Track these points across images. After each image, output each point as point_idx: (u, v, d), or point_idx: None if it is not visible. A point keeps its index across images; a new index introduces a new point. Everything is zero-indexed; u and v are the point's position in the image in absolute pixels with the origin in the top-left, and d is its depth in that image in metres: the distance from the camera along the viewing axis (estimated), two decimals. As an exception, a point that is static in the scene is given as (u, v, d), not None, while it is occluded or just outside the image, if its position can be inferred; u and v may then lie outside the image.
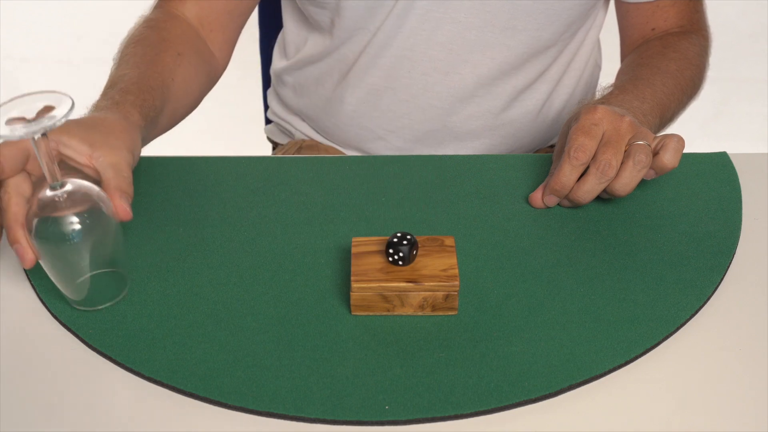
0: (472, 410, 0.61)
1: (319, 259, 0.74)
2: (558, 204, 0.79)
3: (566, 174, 0.76)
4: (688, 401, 0.63)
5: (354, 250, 0.69)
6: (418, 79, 0.97)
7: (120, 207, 0.67)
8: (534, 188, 0.81)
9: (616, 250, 0.75)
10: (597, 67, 1.11)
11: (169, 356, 0.65)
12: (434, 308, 0.68)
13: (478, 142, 1.03)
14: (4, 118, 0.60)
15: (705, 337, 0.68)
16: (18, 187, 0.67)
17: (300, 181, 0.84)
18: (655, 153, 0.76)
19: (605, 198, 0.79)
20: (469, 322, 0.68)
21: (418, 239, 0.69)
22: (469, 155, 0.88)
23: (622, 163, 0.75)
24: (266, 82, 1.24)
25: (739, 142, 2.20)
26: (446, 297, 0.67)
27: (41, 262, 0.66)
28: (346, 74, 1.00)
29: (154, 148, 0.88)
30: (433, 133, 1.01)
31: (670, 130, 0.93)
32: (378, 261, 0.68)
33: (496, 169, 0.85)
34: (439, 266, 0.68)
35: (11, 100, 0.61)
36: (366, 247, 0.69)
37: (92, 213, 0.65)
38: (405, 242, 0.67)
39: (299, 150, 1.09)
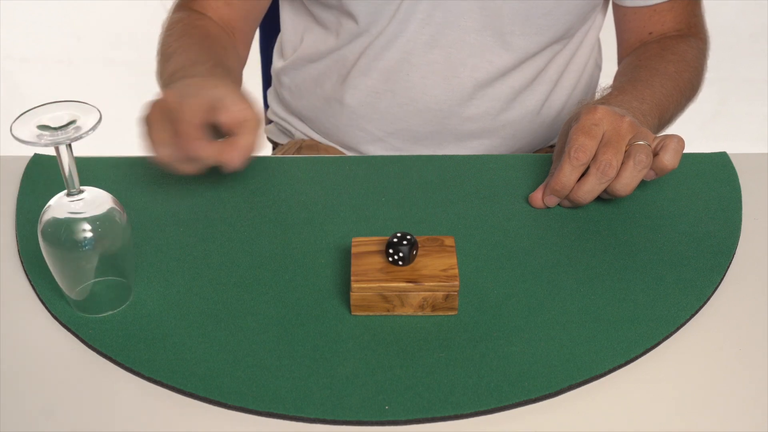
0: (472, 410, 0.61)
1: (319, 259, 0.74)
2: (558, 204, 0.79)
3: (566, 174, 0.76)
4: (688, 401, 0.63)
5: (354, 250, 0.69)
6: (418, 83, 0.97)
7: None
8: (534, 188, 0.81)
9: (616, 250, 0.75)
10: (597, 68, 1.11)
11: (169, 356, 0.65)
12: (434, 308, 0.68)
13: (478, 144, 1.03)
14: (33, 124, 0.61)
15: (705, 337, 0.68)
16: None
17: (300, 181, 0.84)
18: (655, 154, 0.76)
19: (605, 198, 0.79)
20: (469, 322, 0.68)
21: (418, 239, 0.69)
22: (469, 155, 0.88)
23: (622, 164, 0.75)
24: (266, 82, 1.24)
25: (739, 142, 2.19)
26: (446, 297, 0.67)
27: (49, 265, 0.66)
28: (346, 76, 1.00)
29: (154, 148, 0.88)
30: (432, 135, 1.01)
31: (669, 131, 0.93)
32: (378, 261, 0.68)
33: (496, 169, 0.85)
34: (439, 266, 0.68)
35: (41, 105, 0.62)
36: (366, 247, 0.69)
37: (105, 221, 0.65)
38: (405, 242, 0.67)
39: (299, 150, 1.09)
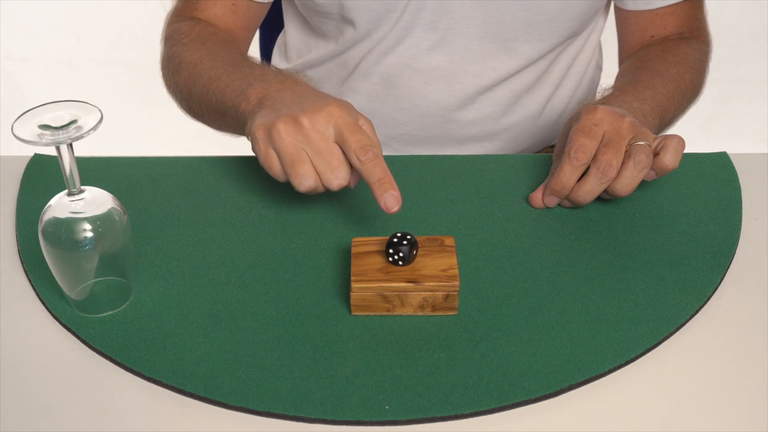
0: (472, 410, 0.61)
1: (319, 259, 0.74)
2: (558, 204, 0.79)
3: (567, 174, 0.76)
4: (688, 401, 0.63)
5: (354, 250, 0.69)
6: (420, 88, 0.97)
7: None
8: (534, 188, 0.81)
9: (616, 250, 0.75)
10: (598, 69, 1.11)
11: (169, 356, 0.65)
12: (434, 308, 0.68)
13: (479, 147, 1.03)
14: (35, 123, 0.61)
15: (705, 337, 0.68)
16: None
17: (300, 181, 0.83)
18: (656, 154, 0.76)
19: (606, 198, 0.79)
20: (469, 322, 0.68)
21: (418, 239, 0.69)
22: (469, 155, 0.88)
23: (622, 164, 0.75)
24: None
25: (739, 142, 2.19)
26: (446, 297, 0.67)
27: (49, 265, 0.66)
28: (346, 79, 1.00)
29: (153, 148, 0.88)
30: (433, 138, 1.01)
31: (669, 131, 0.93)
32: (378, 261, 0.68)
33: (496, 169, 0.85)
34: (439, 266, 0.68)
35: (42, 105, 0.62)
36: (366, 247, 0.69)
37: (106, 221, 0.65)
38: (405, 242, 0.67)
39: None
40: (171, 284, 0.72)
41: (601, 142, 0.75)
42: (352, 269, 0.68)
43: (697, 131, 1.89)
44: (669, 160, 0.76)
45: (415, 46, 0.95)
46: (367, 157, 0.70)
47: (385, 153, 1.03)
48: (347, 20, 0.95)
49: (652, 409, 0.62)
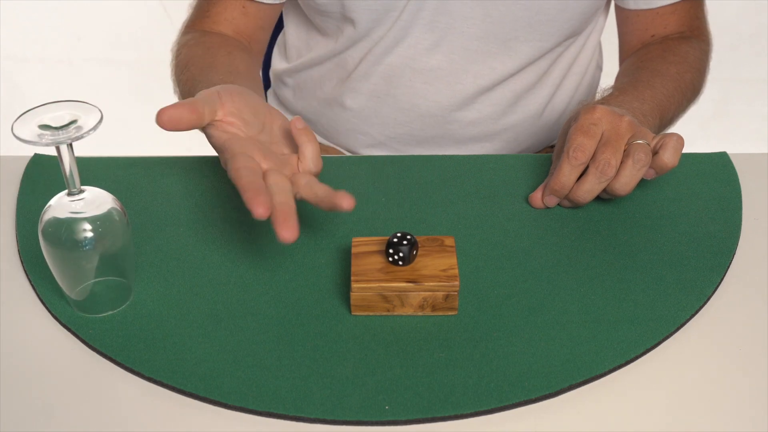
0: (472, 410, 0.61)
1: (319, 259, 0.74)
2: (558, 204, 0.79)
3: (566, 174, 0.76)
4: (688, 401, 0.63)
5: (354, 250, 0.69)
6: (420, 88, 0.97)
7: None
8: (534, 188, 0.81)
9: (616, 250, 0.75)
10: (598, 69, 1.11)
11: (169, 356, 0.65)
12: (434, 308, 0.68)
13: (479, 147, 1.03)
14: (35, 123, 0.61)
15: (705, 337, 0.68)
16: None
17: (300, 181, 0.83)
18: (655, 152, 0.76)
19: (605, 199, 0.79)
20: (469, 322, 0.68)
21: (418, 239, 0.69)
22: (469, 155, 0.88)
23: (621, 163, 0.75)
24: (266, 82, 1.24)
25: (739, 142, 2.19)
26: (446, 297, 0.67)
27: (49, 265, 0.67)
28: (345, 79, 1.00)
29: (153, 148, 0.88)
30: (433, 139, 1.01)
31: (669, 131, 0.93)
32: (378, 261, 0.68)
33: (496, 169, 0.85)
34: (439, 266, 0.68)
35: (42, 105, 0.62)
36: (366, 247, 0.69)
37: (106, 221, 0.65)
38: (405, 242, 0.67)
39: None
40: (171, 284, 0.72)
41: (599, 141, 0.75)
42: (352, 269, 0.68)
43: (697, 131, 1.89)
44: (668, 158, 0.76)
45: (415, 45, 0.95)
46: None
47: (385, 153, 1.04)
48: (348, 19, 0.95)
49: (652, 409, 0.62)
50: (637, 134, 0.76)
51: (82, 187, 0.65)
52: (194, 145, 1.29)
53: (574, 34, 0.98)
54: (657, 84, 0.90)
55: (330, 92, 1.03)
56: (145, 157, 0.86)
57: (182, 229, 0.77)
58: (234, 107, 0.72)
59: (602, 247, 0.75)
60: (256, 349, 0.66)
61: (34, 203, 0.79)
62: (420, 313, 0.68)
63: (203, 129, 0.73)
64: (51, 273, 0.67)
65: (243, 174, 0.66)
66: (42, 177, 0.83)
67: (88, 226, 0.65)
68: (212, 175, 0.84)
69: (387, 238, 0.69)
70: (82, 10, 2.60)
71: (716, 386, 0.64)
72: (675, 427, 0.61)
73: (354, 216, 0.79)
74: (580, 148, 0.75)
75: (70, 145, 0.62)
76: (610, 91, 0.89)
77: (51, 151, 0.71)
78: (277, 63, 1.11)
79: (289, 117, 1.11)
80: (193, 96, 0.83)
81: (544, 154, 0.87)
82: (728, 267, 0.74)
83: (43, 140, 0.60)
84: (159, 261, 0.74)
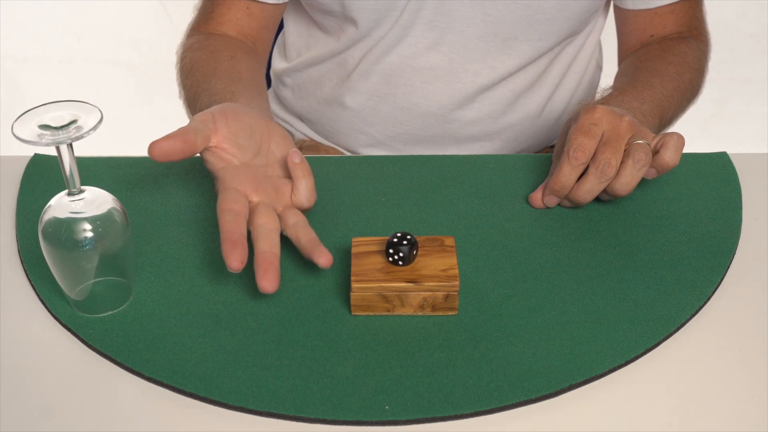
0: (472, 410, 0.61)
1: (319, 259, 0.74)
2: (558, 204, 0.79)
3: (566, 174, 0.76)
4: (688, 401, 0.63)
5: (354, 250, 0.69)
6: (419, 87, 0.97)
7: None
8: (534, 188, 0.81)
9: (616, 250, 0.75)
10: (598, 69, 1.11)
11: (169, 356, 0.65)
12: (434, 308, 0.68)
13: (479, 147, 1.03)
14: (35, 123, 0.61)
15: (705, 337, 0.68)
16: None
17: (300, 181, 0.83)
18: (655, 152, 0.76)
19: (606, 200, 0.79)
20: (469, 322, 0.68)
21: (418, 239, 0.69)
22: (469, 155, 0.88)
23: (621, 163, 0.75)
24: (267, 82, 1.24)
25: (739, 142, 2.19)
26: (446, 297, 0.67)
27: (49, 265, 0.67)
28: (345, 79, 1.00)
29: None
30: (433, 138, 1.01)
31: (669, 131, 0.93)
32: (378, 261, 0.68)
33: (496, 169, 0.85)
34: (439, 266, 0.68)
35: (42, 105, 0.62)
36: (366, 247, 0.69)
37: (106, 221, 0.65)
38: (405, 242, 0.67)
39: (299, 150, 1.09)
40: (171, 284, 0.72)
41: (600, 141, 0.76)
42: (352, 269, 0.68)
43: (697, 131, 1.89)
44: (669, 157, 0.76)
45: (415, 45, 0.95)
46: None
47: (384, 152, 1.04)
48: (349, 19, 0.95)
49: (652, 409, 0.62)
50: (638, 134, 0.76)
51: (82, 187, 0.65)
52: (194, 145, 1.29)
53: (573, 34, 0.98)
54: (656, 84, 0.90)
55: (330, 92, 1.03)
56: (145, 157, 0.86)
57: (182, 229, 0.77)
58: (229, 132, 0.72)
59: (602, 247, 0.75)
60: (256, 349, 0.66)
61: (34, 203, 0.79)
62: (420, 313, 0.68)
63: (200, 153, 0.73)
64: (51, 273, 0.67)
65: (226, 219, 0.67)
66: (42, 177, 0.83)
67: (88, 226, 0.65)
68: (212, 175, 0.84)
69: (387, 238, 0.69)
70: (82, 10, 2.60)
71: (716, 386, 0.64)
72: (675, 427, 0.61)
73: (354, 216, 0.79)
74: (581, 148, 0.75)
75: (70, 145, 0.62)
76: (610, 91, 0.89)
77: (51, 151, 0.71)
78: (277, 63, 1.11)
79: (290, 117, 1.11)
80: (196, 102, 0.82)
81: (544, 154, 0.87)
82: (728, 267, 0.74)
83: (43, 140, 0.60)
84: (159, 261, 0.74)
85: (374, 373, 0.64)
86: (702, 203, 0.80)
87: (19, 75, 2.47)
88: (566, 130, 0.80)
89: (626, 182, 0.75)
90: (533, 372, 0.64)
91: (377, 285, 0.67)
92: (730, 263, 0.74)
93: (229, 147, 0.73)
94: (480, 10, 0.92)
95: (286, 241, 0.76)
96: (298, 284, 0.71)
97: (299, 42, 1.06)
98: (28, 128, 0.61)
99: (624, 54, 1.03)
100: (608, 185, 0.76)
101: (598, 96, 0.89)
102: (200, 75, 0.89)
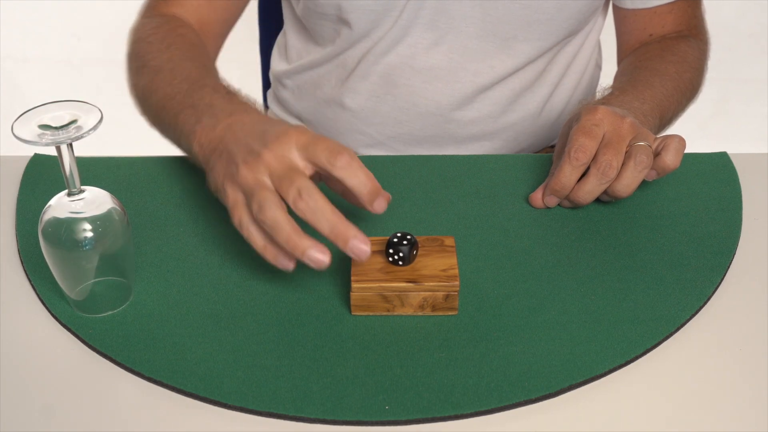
0: (472, 410, 0.61)
1: (319, 259, 0.74)
2: (558, 204, 0.79)
3: (566, 174, 0.76)
4: (689, 401, 0.63)
5: (354, 250, 0.69)
6: (419, 87, 0.97)
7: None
8: (534, 188, 0.81)
9: (616, 250, 0.75)
10: (597, 68, 1.11)
11: (169, 356, 0.65)
12: (434, 308, 0.68)
13: (479, 147, 1.03)
14: (35, 123, 0.61)
15: (705, 337, 0.68)
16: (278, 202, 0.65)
17: (300, 181, 0.83)
18: (657, 154, 0.76)
19: (606, 201, 0.79)
20: (469, 322, 0.68)
21: (418, 239, 0.69)
22: (469, 155, 0.88)
23: (623, 164, 0.75)
24: (266, 82, 1.24)
25: (739, 142, 2.19)
26: (446, 297, 0.67)
27: (49, 265, 0.67)
28: (345, 79, 1.00)
29: (154, 148, 0.88)
30: (433, 138, 1.01)
31: (669, 131, 0.93)
32: (378, 261, 0.68)
33: (496, 169, 0.85)
34: (439, 266, 0.68)
35: (42, 105, 0.62)
36: (366, 247, 0.69)
37: (106, 221, 0.65)
38: (405, 242, 0.67)
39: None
40: (171, 284, 0.72)
41: (601, 142, 0.75)
42: (352, 269, 0.68)
43: (697, 131, 1.89)
44: (670, 159, 0.76)
45: (414, 45, 0.95)
46: (341, 162, 0.65)
47: (384, 153, 1.03)
48: (343, 21, 0.95)
49: (652, 409, 0.62)
50: (639, 136, 0.76)
51: (82, 187, 0.65)
52: (194, 145, 1.29)
53: (572, 33, 0.98)
54: (656, 83, 0.90)
55: (329, 92, 1.03)
56: (145, 157, 0.86)
57: (182, 229, 0.77)
58: None
59: (602, 247, 0.75)
60: (256, 349, 0.66)
61: (34, 203, 0.79)
62: (420, 313, 0.68)
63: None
64: (51, 273, 0.67)
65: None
66: (42, 177, 0.83)
67: (88, 226, 0.65)
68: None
69: (387, 238, 0.69)
70: (82, 10, 2.60)
71: (716, 386, 0.64)
72: (675, 427, 0.61)
73: (354, 216, 0.79)
74: (582, 148, 0.75)
75: (70, 145, 0.62)
76: (610, 90, 0.89)
77: (51, 151, 0.71)
78: (277, 64, 1.11)
79: (290, 118, 1.11)
80: (194, 93, 0.80)
81: (544, 154, 0.87)
82: (728, 267, 0.74)
83: (43, 140, 0.60)
84: (159, 261, 0.74)
85: (374, 373, 0.64)
86: (702, 203, 0.80)
87: (19, 75, 2.47)
88: (567, 130, 0.80)
89: (627, 184, 0.75)
90: (533, 372, 0.64)
91: (377, 285, 0.67)
92: (730, 263, 0.74)
93: None
94: (479, 10, 0.92)
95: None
96: (298, 284, 0.71)
97: (300, 44, 1.06)
98: (28, 128, 0.61)
99: (623, 53, 1.04)
100: (609, 187, 0.76)
101: (598, 95, 0.89)
102: (188, 81, 0.83)
